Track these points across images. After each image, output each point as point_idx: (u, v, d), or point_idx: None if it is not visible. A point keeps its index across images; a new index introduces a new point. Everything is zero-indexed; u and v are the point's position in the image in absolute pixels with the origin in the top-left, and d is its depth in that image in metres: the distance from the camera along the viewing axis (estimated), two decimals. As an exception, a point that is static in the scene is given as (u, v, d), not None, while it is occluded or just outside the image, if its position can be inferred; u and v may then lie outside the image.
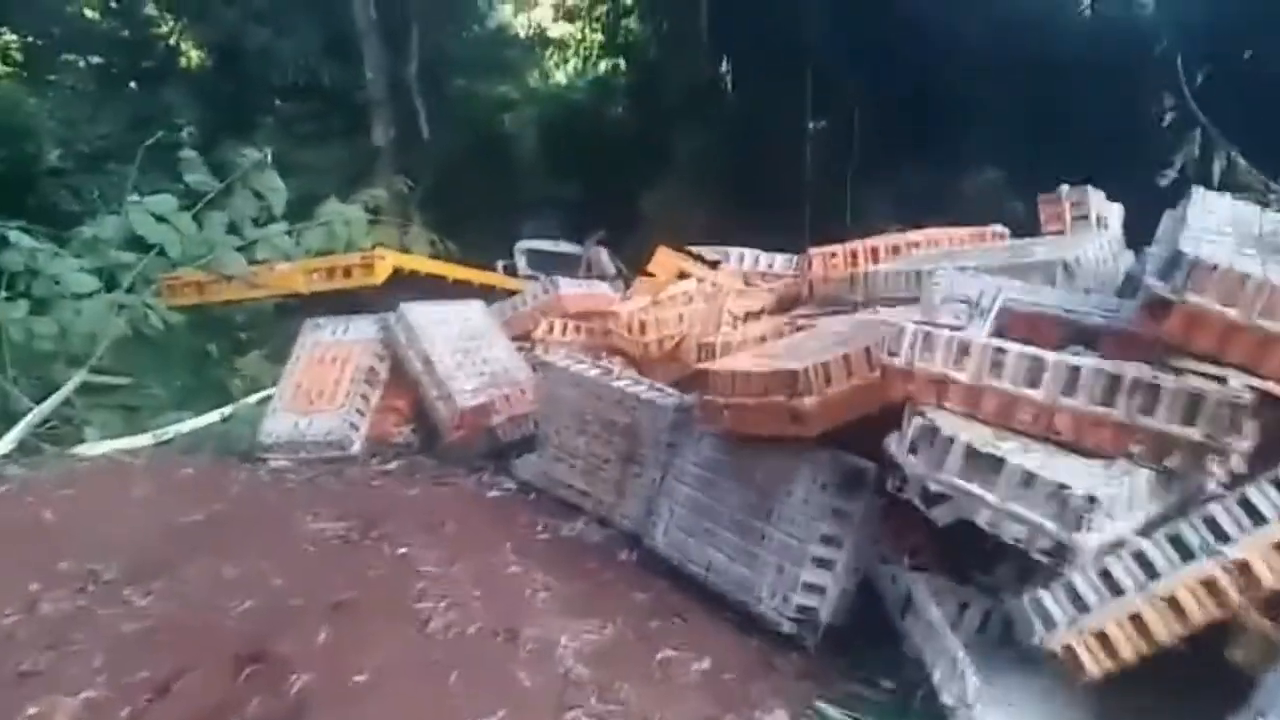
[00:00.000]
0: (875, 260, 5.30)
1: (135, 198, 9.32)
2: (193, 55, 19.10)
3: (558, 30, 20.88)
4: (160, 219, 9.35)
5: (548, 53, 22.05)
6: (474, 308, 6.38)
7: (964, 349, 3.13)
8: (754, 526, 3.63)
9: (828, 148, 15.39)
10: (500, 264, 13.80)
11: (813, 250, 5.63)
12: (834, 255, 5.46)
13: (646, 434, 4.25)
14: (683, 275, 7.06)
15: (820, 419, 3.41)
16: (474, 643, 3.26)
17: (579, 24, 20.14)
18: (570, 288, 6.92)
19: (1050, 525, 2.79)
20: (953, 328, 3.32)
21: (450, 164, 16.93)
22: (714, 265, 7.20)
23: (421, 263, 9.81)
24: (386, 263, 8.74)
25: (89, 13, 18.08)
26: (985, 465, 2.93)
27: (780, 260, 6.79)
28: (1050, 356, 3.02)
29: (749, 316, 5.48)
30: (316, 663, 3.07)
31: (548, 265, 13.42)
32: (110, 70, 17.74)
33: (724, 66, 18.85)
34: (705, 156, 16.54)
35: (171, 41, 18.79)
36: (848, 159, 15.40)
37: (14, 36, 16.91)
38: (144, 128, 13.94)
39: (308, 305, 9.83)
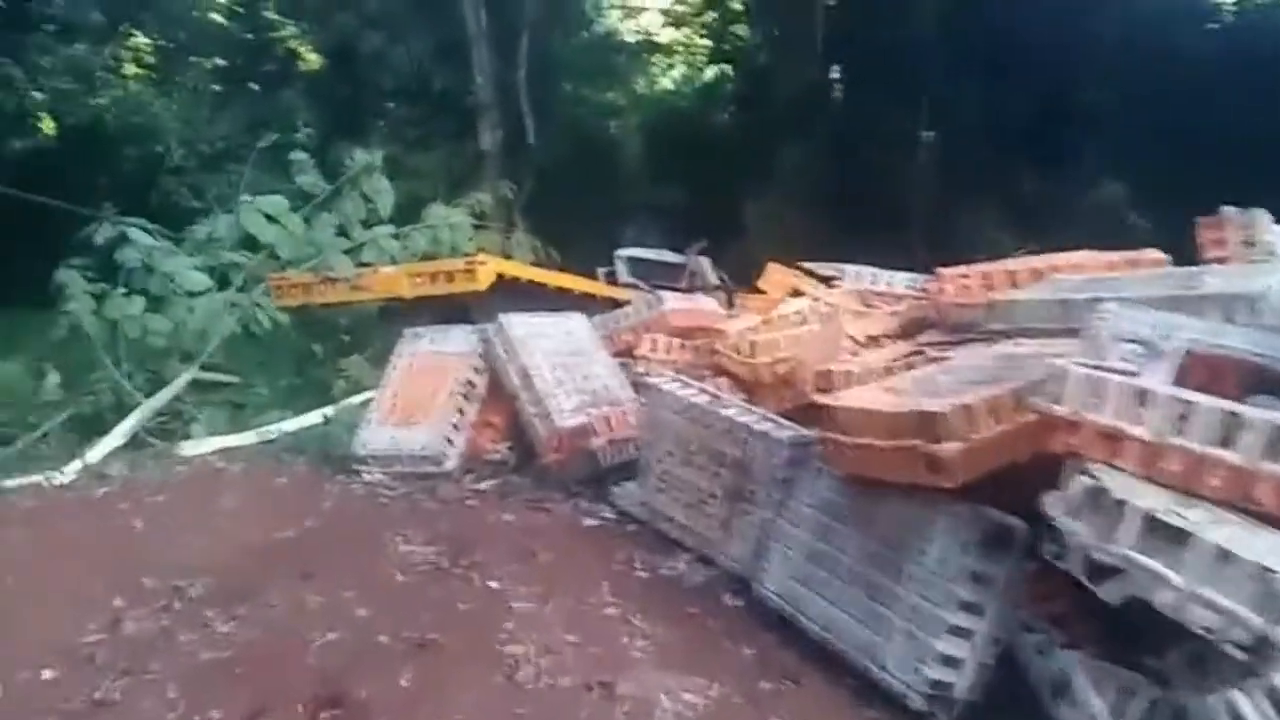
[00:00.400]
0: (1013, 285, 4.83)
1: (248, 198, 9.46)
2: (310, 59, 19.61)
3: (665, 36, 20.66)
4: (271, 219, 9.47)
5: (654, 59, 21.91)
6: (576, 321, 6.11)
7: (1142, 399, 2.69)
8: (880, 583, 3.24)
9: (940, 160, 14.69)
10: (601, 271, 13.62)
11: (942, 271, 5.18)
12: (966, 277, 5.00)
13: (758, 469, 3.90)
14: (795, 293, 6.67)
15: (962, 469, 3.00)
16: (566, 697, 2.99)
17: (687, 30, 19.85)
18: (676, 303, 6.61)
19: (1250, 616, 2.34)
20: (1124, 372, 2.87)
21: (555, 169, 16.87)
22: (828, 282, 6.80)
23: (524, 269, 9.67)
24: (489, 268, 8.60)
25: (215, 16, 18.73)
26: (1168, 538, 2.49)
27: (901, 279, 6.35)
28: (1251, 412, 2.55)
29: (870, 341, 5.05)
30: (396, 709, 2.83)
31: (648, 273, 13.18)
32: (232, 72, 18.32)
33: (834, 74, 18.34)
34: (811, 167, 16.05)
35: (291, 45, 19.35)
36: (961, 172, 14.67)
37: (146, 40, 17.64)
38: (261, 129, 14.37)
39: (410, 309, 9.87)
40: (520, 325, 5.57)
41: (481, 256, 8.91)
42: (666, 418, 4.36)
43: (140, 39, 17.68)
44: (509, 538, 4.29)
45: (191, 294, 8.82)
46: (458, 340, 5.99)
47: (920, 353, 4.56)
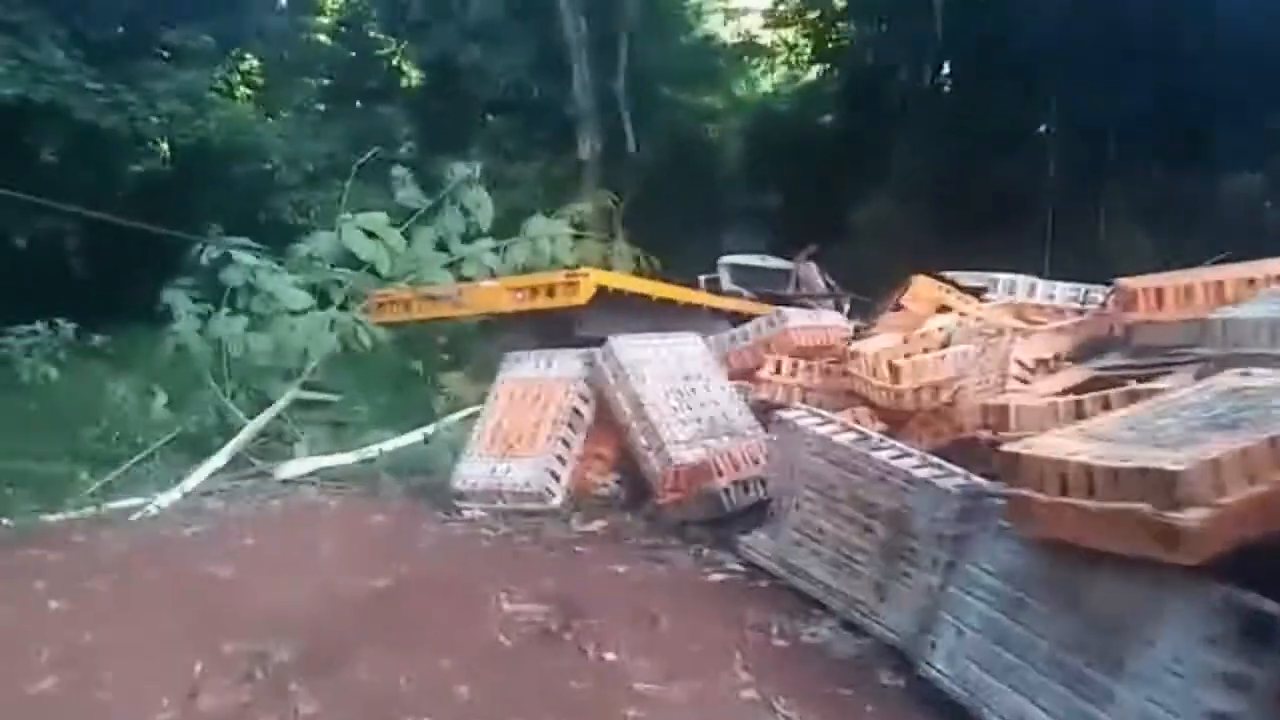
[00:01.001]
0: (1222, 299, 4.06)
1: (348, 215, 9.30)
2: (412, 75, 19.76)
3: (767, 38, 20.04)
4: (371, 235, 9.28)
5: (755, 61, 21.34)
6: (690, 342, 5.61)
7: None
8: (1092, 679, 2.61)
9: (1063, 157, 13.59)
10: (702, 278, 13.10)
11: (1123, 283, 4.44)
12: (1158, 290, 4.25)
13: (920, 524, 3.28)
14: (942, 309, 5.96)
15: (1208, 542, 2.36)
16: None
17: (789, 31, 19.18)
18: (799, 319, 6.01)
19: None
20: None
21: (655, 177, 16.47)
22: (977, 295, 6.08)
23: (626, 280, 9.21)
24: (590, 281, 8.15)
25: (321, 37, 19.02)
26: None
27: (1063, 291, 5.59)
28: None
29: (1040, 366, 4.33)
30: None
31: (753, 281, 12.59)
32: (336, 91, 18.55)
33: (945, 69, 17.42)
34: (923, 167, 15.16)
35: (394, 62, 19.52)
36: (1086, 168, 13.57)
37: (256, 63, 18.01)
38: (363, 145, 14.37)
39: (511, 324, 9.54)
40: (630, 348, 5.09)
41: (583, 269, 8.48)
42: (803, 458, 3.78)
43: (252, 62, 18.08)
44: (624, 595, 3.79)
45: (293, 312, 8.68)
46: (562, 365, 5.56)
47: (1106, 381, 3.85)
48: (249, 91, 18.20)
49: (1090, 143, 13.45)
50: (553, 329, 9.58)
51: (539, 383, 5.38)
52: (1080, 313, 5.37)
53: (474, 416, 8.71)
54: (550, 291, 8.27)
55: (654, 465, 4.69)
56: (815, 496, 3.70)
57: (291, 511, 5.57)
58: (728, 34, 20.88)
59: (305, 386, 8.71)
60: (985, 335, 4.84)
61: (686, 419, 4.69)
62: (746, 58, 20.33)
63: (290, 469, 7.63)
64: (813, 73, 20.34)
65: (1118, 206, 12.87)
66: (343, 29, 19.34)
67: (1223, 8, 11.64)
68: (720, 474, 4.54)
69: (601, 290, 8.33)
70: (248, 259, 8.78)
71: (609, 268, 10.98)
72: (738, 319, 10.75)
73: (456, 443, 7.81)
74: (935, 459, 3.48)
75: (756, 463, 4.58)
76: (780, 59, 19.98)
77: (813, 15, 18.62)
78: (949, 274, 6.68)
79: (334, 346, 8.68)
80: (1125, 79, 13.17)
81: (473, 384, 9.22)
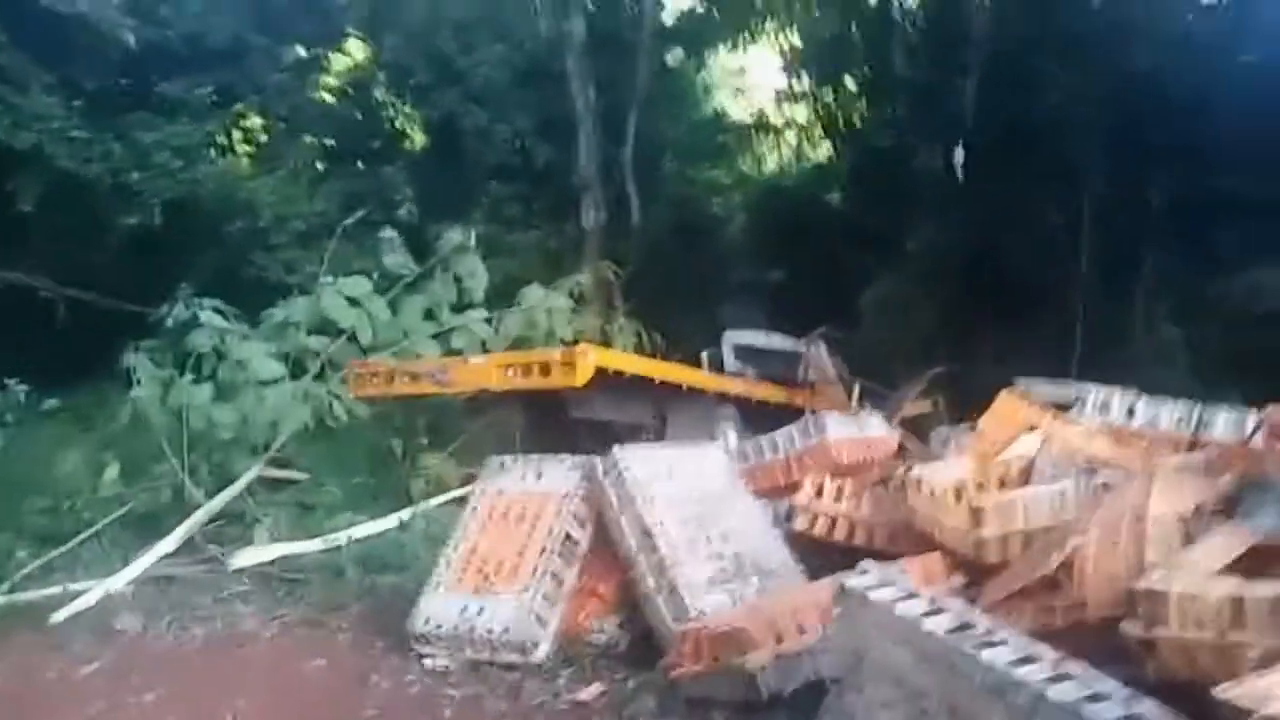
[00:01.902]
0: None
1: (329, 279, 8.71)
2: (416, 137, 19.43)
3: (777, 115, 19.80)
4: (353, 302, 8.67)
5: (764, 137, 21.11)
6: (711, 453, 4.67)
7: None
8: None
9: (1090, 245, 12.99)
10: (705, 355, 12.44)
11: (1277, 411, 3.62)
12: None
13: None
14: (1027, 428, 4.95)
15: None
16: None
17: (803, 105, 18.94)
18: (840, 429, 5.03)
19: None
20: None
21: (658, 250, 15.96)
22: (1058, 411, 5.13)
23: (627, 360, 8.59)
24: (589, 360, 7.54)
25: (325, 96, 18.71)
26: None
27: (1171, 411, 4.67)
28: None
29: (1183, 523, 3.16)
30: None
31: (759, 362, 11.94)
32: (337, 151, 18.16)
33: (960, 153, 17.07)
34: (938, 249, 14.63)
35: (396, 124, 19.21)
36: (1113, 259, 13.01)
37: (259, 120, 17.66)
38: (360, 206, 13.88)
39: (500, 401, 8.85)
40: (639, 461, 4.13)
41: (581, 346, 7.87)
42: (877, 644, 2.87)
43: (254, 119, 17.72)
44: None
45: (263, 382, 8.02)
46: (554, 475, 4.50)
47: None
48: (249, 149, 17.83)
49: (1122, 233, 12.87)
50: (545, 409, 8.92)
51: (525, 498, 4.37)
52: (1195, 443, 4.51)
53: (455, 504, 8.09)
54: (545, 370, 7.64)
55: (665, 617, 3.77)
56: (896, 701, 2.76)
57: (213, 648, 4.75)
58: (738, 110, 20.67)
59: (272, 463, 8.02)
60: (1086, 468, 3.92)
61: (707, 554, 3.79)
62: (756, 133, 20.03)
63: (246, 557, 6.93)
64: (821, 152, 20.07)
65: (1144, 298, 12.29)
66: (349, 90, 19.04)
67: (1256, 100, 11.25)
68: (758, 645, 3.41)
69: (601, 372, 7.71)
70: (217, 322, 8.16)
71: (608, 343, 10.35)
72: (744, 403, 10.15)
73: (434, 534, 7.13)
74: (1073, 666, 2.53)
75: (803, 631, 3.48)
76: (790, 135, 19.66)
77: (827, 97, 18.34)
78: (1023, 381, 5.86)
79: (306, 420, 8.01)
80: (1150, 169, 12.78)
81: (456, 466, 8.52)
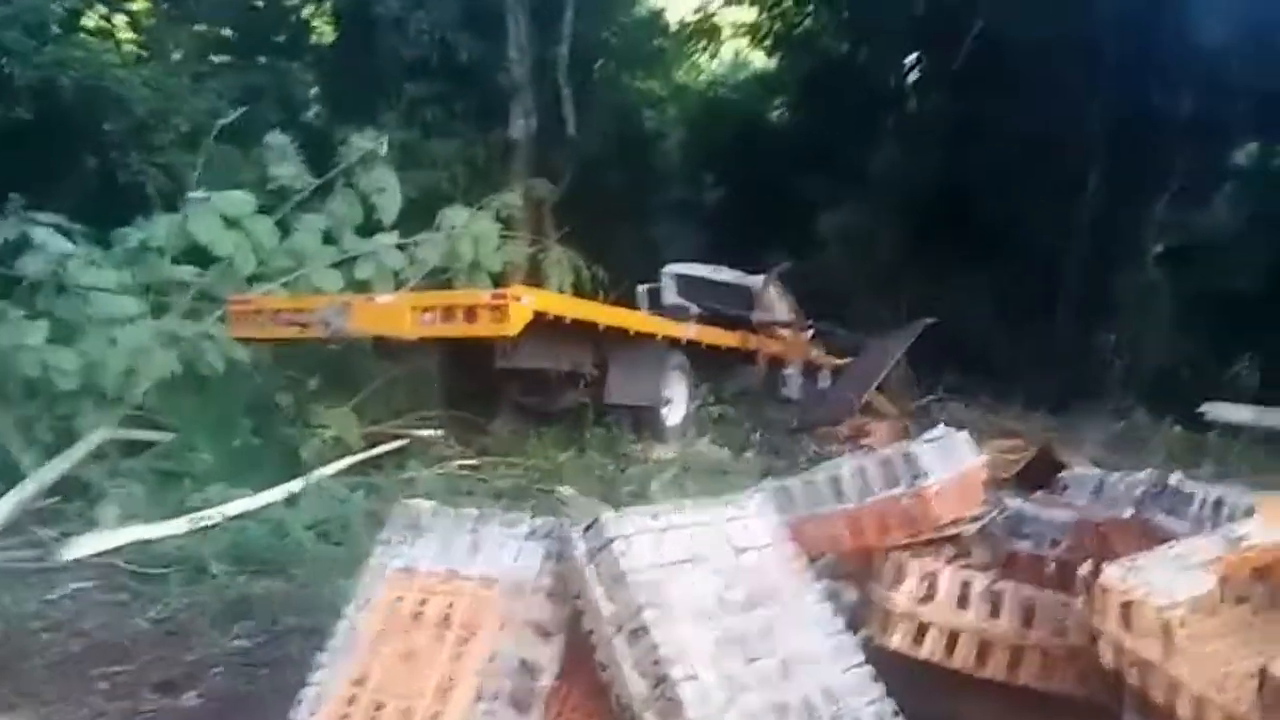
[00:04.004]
0: None
1: (201, 193, 7.10)
2: (324, 29, 17.30)
3: (731, 15, 18.14)
4: (231, 222, 7.10)
5: (705, 44, 19.47)
6: (747, 516, 2.48)
7: None
8: None
9: (1084, 163, 11.86)
10: (642, 288, 11.16)
11: None
12: None
13: None
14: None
15: None
16: None
17: (754, 8, 17.32)
18: (936, 463, 2.87)
19: None
20: None
21: (596, 167, 14.43)
22: None
23: (568, 304, 7.27)
24: (524, 308, 6.19)
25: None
26: None
27: None
28: None
29: None
30: None
31: (704, 296, 10.70)
32: (235, 44, 15.99)
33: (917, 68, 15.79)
34: (904, 169, 13.42)
35: (302, 14, 17.05)
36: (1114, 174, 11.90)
37: (147, 3, 15.33)
38: (255, 104, 12.00)
39: (415, 348, 7.44)
40: (640, 535, 2.20)
41: (515, 288, 6.51)
42: None
43: (140, 3, 15.38)
44: None
45: (115, 321, 6.47)
46: (501, 551, 2.39)
47: None
48: (134, 36, 15.53)
49: (1118, 147, 11.74)
50: (467, 355, 7.52)
51: (451, 588, 2.36)
52: None
53: (358, 471, 6.74)
54: (471, 315, 6.28)
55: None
56: None
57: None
58: (684, 11, 18.93)
59: (127, 421, 6.51)
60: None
61: (757, 705, 2.03)
62: (703, 39, 18.37)
63: (84, 544, 5.47)
64: (774, 61, 18.51)
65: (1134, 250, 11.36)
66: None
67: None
68: None
69: (539, 318, 6.39)
70: (56, 243, 6.53)
71: (541, 278, 9.00)
72: (697, 351, 8.95)
73: (327, 516, 5.82)
74: None
75: None
76: (747, 42, 18.06)
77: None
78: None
79: (170, 368, 6.50)
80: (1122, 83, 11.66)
81: (359, 423, 7.16)
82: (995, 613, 2.55)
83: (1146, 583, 2.07)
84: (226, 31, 16.14)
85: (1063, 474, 4.38)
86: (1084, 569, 2.34)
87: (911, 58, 15.54)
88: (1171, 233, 11.20)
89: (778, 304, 10.85)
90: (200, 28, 15.82)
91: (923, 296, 11.56)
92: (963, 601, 2.52)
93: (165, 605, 4.59)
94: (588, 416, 7.87)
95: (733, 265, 11.39)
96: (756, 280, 10.67)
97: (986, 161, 12.54)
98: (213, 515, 5.67)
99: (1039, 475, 5.92)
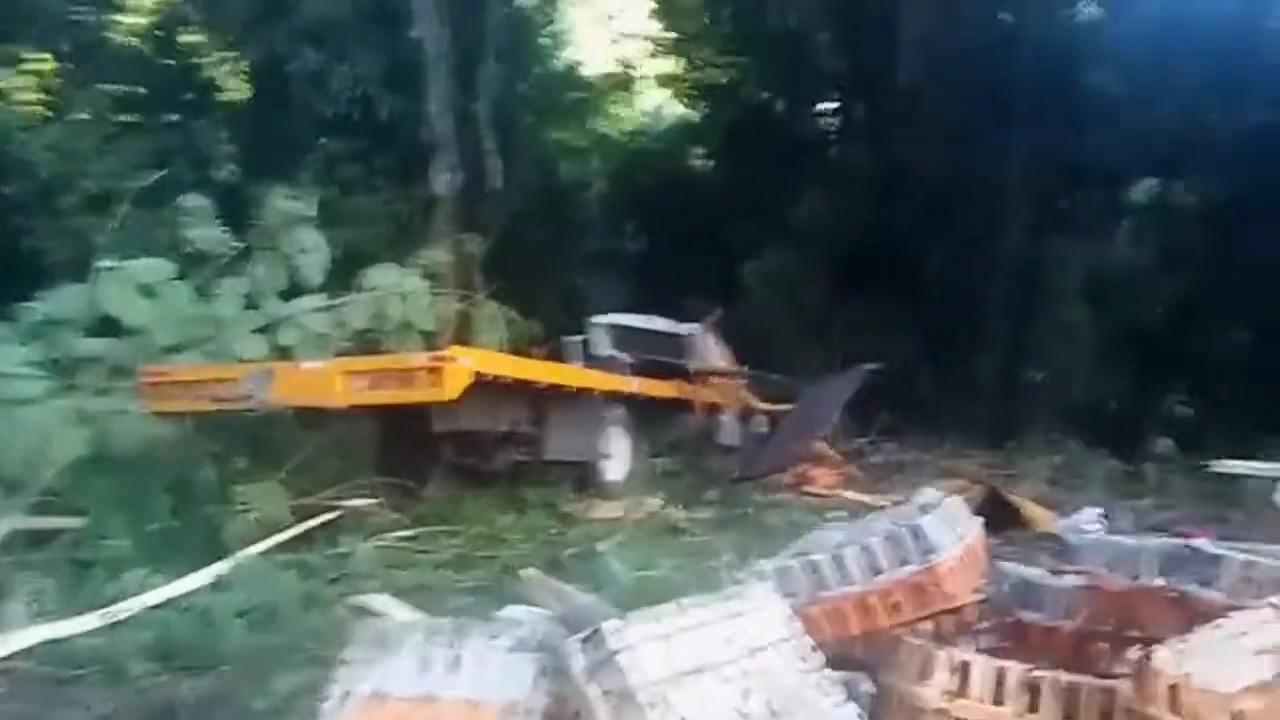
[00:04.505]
0: None
1: (109, 262, 6.74)
2: (236, 86, 16.89)
3: (653, 67, 18.33)
4: (146, 291, 6.75)
5: (625, 94, 19.64)
6: (763, 612, 2.24)
7: None
8: None
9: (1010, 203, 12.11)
10: (574, 339, 10.98)
11: None
12: None
13: None
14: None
15: None
16: None
17: (678, 60, 17.52)
18: (943, 536, 2.76)
19: None
20: None
21: (522, 221, 14.29)
22: None
23: (508, 364, 7.08)
24: (462, 369, 5.98)
25: (132, 40, 15.90)
26: None
27: None
28: None
29: None
30: None
31: (638, 346, 10.59)
32: (143, 102, 15.47)
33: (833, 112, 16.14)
34: (830, 218, 13.60)
35: (212, 72, 16.61)
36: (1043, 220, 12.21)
37: (49, 64, 14.76)
38: (165, 165, 11.57)
39: (345, 413, 7.12)
40: (645, 649, 1.99)
41: (451, 349, 6.30)
42: None
43: (41, 65, 14.78)
44: None
45: (19, 401, 6.05)
46: (480, 672, 2.13)
47: None
48: (35, 96, 14.92)
49: (1041, 192, 12.08)
50: (400, 419, 7.24)
51: (432, 714, 2.12)
52: None
53: (289, 548, 6.38)
54: (406, 379, 6.05)
55: None
56: None
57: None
58: (604, 62, 19.03)
59: (34, 509, 6.05)
60: None
61: None
62: (623, 90, 18.52)
63: (-14, 649, 5.00)
64: (696, 111, 18.74)
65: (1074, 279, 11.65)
66: (158, 33, 16.23)
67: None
68: None
69: (477, 379, 6.19)
70: (-47, 320, 6.11)
71: (469, 334, 8.79)
72: (635, 402, 8.82)
73: (257, 601, 5.46)
74: None
75: None
76: (670, 94, 18.23)
77: (704, 47, 16.95)
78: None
79: (80, 448, 6.08)
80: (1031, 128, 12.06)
81: (288, 497, 6.79)
82: (1034, 705, 2.31)
83: (1204, 667, 1.97)
84: (135, 90, 15.67)
85: (1062, 531, 4.35)
86: (1134, 652, 2.20)
87: (830, 106, 15.85)
88: (1086, 272, 11.52)
89: (713, 352, 10.80)
90: (107, 87, 15.32)
91: (851, 340, 11.67)
92: (998, 694, 2.30)
93: (85, 712, 4.22)
94: (526, 476, 7.66)
95: (661, 314, 11.34)
96: (691, 328, 10.62)
97: (907, 207, 12.83)
98: (130, 607, 5.27)
99: (987, 517, 5.94)
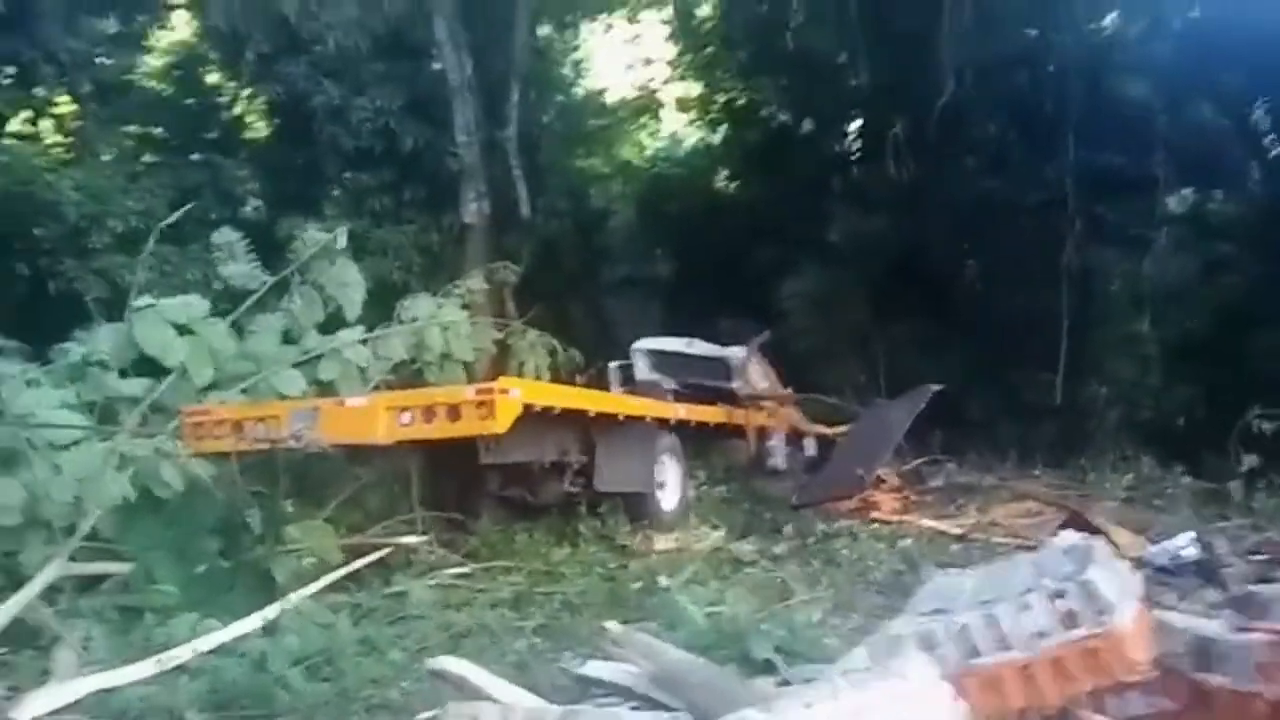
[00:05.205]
0: None
1: (146, 300, 6.56)
2: (259, 123, 16.91)
3: (671, 91, 18.26)
4: (182, 329, 6.57)
5: (647, 119, 19.56)
6: (913, 685, 1.97)
7: None
8: None
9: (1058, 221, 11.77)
10: (613, 365, 10.80)
11: None
12: None
13: None
14: None
15: None
16: None
17: (700, 83, 17.42)
18: (1118, 593, 2.35)
19: None
20: None
21: (554, 247, 14.15)
22: None
23: (558, 394, 6.84)
24: (512, 401, 5.75)
25: (152, 83, 15.97)
26: None
27: None
28: None
29: None
30: None
31: (678, 371, 10.38)
32: (167, 143, 15.50)
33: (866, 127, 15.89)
34: (865, 237, 13.34)
35: (235, 109, 16.63)
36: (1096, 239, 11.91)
37: (74, 105, 14.81)
38: (192, 201, 11.49)
39: (392, 450, 6.90)
40: None
41: (501, 381, 6.07)
42: None
43: (65, 106, 14.84)
44: None
45: (58, 446, 5.86)
46: None
47: None
48: (60, 138, 14.96)
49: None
50: (447, 452, 7.04)
51: None
52: None
53: (340, 588, 6.17)
54: (454, 413, 5.81)
55: None
56: None
57: None
58: (624, 89, 18.98)
59: (80, 555, 5.84)
60: None
61: None
62: (648, 114, 18.45)
63: (39, 701, 4.77)
64: (706, 133, 18.62)
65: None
66: (176, 71, 16.28)
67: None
68: None
69: (527, 410, 5.96)
70: (-10, 364, 5.95)
71: (506, 361, 8.58)
72: (685, 429, 8.57)
73: (310, 645, 5.22)
74: None
75: None
76: (695, 115, 18.10)
77: (723, 71, 16.83)
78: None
79: (123, 492, 5.88)
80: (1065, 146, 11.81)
81: (336, 535, 6.57)
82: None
83: None
84: (158, 130, 15.70)
85: (1154, 558, 4.00)
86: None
87: (855, 125, 15.65)
88: (1139, 281, 11.21)
89: (760, 375, 10.56)
90: (131, 128, 15.36)
91: (895, 359, 11.40)
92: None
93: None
94: (578, 508, 7.41)
95: (700, 337, 11.11)
96: (736, 352, 10.38)
97: (943, 223, 12.58)
98: (182, 654, 5.04)
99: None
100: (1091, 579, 2.23)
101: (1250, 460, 6.26)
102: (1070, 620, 2.15)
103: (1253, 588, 3.35)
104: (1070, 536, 2.59)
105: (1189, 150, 11.61)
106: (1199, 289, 11.67)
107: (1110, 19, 13.19)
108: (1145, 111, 11.35)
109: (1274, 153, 12.74)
